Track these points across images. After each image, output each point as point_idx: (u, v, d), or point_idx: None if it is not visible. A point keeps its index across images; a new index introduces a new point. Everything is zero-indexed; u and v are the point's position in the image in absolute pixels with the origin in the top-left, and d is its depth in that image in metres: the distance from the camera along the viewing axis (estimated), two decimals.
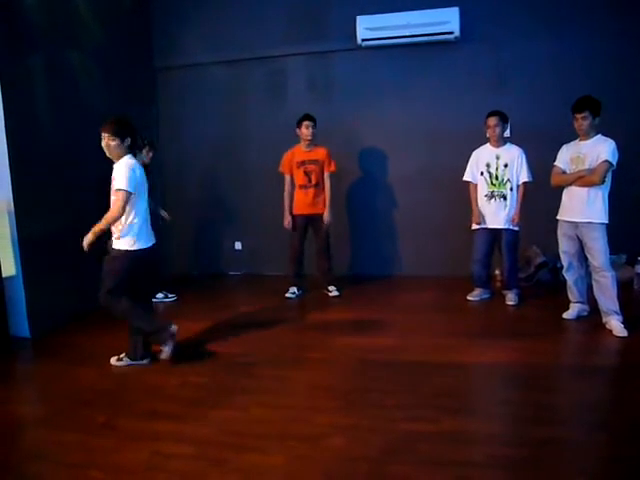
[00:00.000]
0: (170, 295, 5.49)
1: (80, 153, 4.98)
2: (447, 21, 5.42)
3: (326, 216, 5.29)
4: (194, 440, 2.75)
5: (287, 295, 5.42)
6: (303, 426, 2.84)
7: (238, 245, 6.57)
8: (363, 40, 5.66)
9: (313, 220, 5.32)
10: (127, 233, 3.56)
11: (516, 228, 4.78)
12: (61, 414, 3.11)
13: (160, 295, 5.44)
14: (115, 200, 3.50)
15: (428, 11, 5.44)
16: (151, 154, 5.26)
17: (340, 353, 3.87)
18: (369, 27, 5.59)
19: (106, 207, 4.75)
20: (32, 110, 4.54)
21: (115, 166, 3.56)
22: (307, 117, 5.18)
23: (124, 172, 3.48)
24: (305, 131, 5.17)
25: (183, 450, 2.66)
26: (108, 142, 3.51)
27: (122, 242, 3.56)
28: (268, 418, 2.95)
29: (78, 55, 5.07)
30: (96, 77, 5.29)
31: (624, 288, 4.69)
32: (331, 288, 5.42)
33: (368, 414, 2.94)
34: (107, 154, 3.57)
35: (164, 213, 5.40)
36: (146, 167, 5.26)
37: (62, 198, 4.82)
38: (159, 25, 6.35)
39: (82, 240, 3.49)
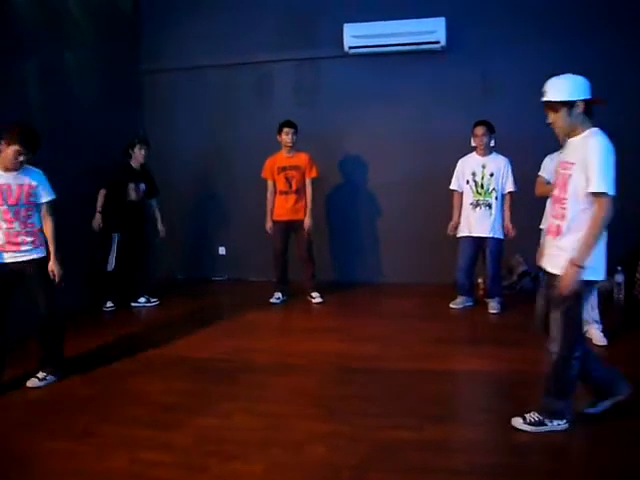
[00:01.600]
0: (152, 300, 5.44)
1: (69, 156, 5.01)
2: (433, 30, 5.47)
3: (306, 222, 5.29)
4: (175, 447, 2.72)
5: (272, 301, 5.41)
6: (284, 433, 2.83)
7: (222, 250, 6.54)
8: (350, 48, 5.68)
9: (294, 226, 5.32)
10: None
11: (501, 237, 4.82)
12: (41, 421, 3.06)
13: (142, 300, 5.39)
14: (51, 212, 3.50)
15: (414, 20, 5.48)
16: (143, 151, 5.23)
17: (323, 360, 3.86)
18: (356, 35, 5.62)
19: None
20: (24, 111, 4.50)
21: (34, 176, 3.43)
22: (287, 124, 5.19)
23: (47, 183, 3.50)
24: (285, 137, 5.18)
25: (164, 457, 2.64)
26: (20, 159, 3.27)
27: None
28: (250, 425, 2.93)
29: (66, 57, 5.07)
30: (83, 79, 5.27)
31: (604, 298, 4.74)
32: (314, 295, 5.41)
33: (350, 421, 2.93)
34: (10, 165, 3.28)
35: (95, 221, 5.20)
36: (143, 167, 5.26)
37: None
38: (146, 29, 6.33)
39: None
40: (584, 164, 2.53)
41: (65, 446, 2.76)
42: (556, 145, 4.21)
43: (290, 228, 5.35)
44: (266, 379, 3.58)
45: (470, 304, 5.11)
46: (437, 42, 5.51)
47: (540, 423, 2.77)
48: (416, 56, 5.69)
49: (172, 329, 4.63)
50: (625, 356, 3.81)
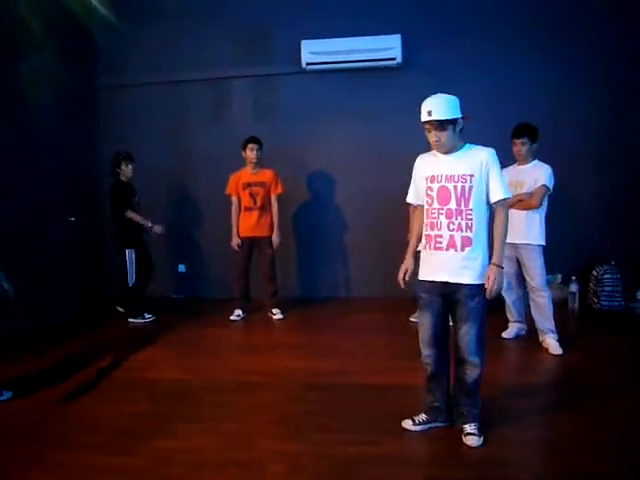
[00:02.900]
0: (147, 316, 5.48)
1: (25, 167, 4.99)
2: (390, 47, 5.57)
3: (274, 238, 5.28)
4: (131, 473, 2.63)
5: (232, 318, 5.35)
6: (244, 453, 2.78)
7: (182, 268, 6.46)
8: (308, 64, 5.73)
9: (257, 242, 5.30)
10: None
11: None
12: None
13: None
14: None
15: (371, 37, 5.57)
16: (130, 167, 5.31)
17: (284, 377, 3.83)
18: (314, 51, 5.68)
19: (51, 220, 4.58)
20: None
21: None
22: (252, 140, 5.18)
23: None
24: (250, 154, 5.17)
25: None
26: None
27: None
28: (209, 446, 2.86)
29: (22, 73, 4.97)
30: (39, 95, 5.18)
31: (559, 307, 4.85)
32: (275, 311, 5.39)
33: (311, 439, 2.90)
34: None
35: (157, 228, 5.35)
36: (130, 181, 5.40)
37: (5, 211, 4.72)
38: (103, 45, 6.23)
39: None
40: (483, 175, 2.71)
41: (14, 475, 2.65)
42: (508, 160, 4.37)
43: (253, 244, 5.32)
44: (226, 398, 3.51)
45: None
46: (393, 59, 5.61)
47: (481, 430, 2.84)
48: (373, 72, 5.77)
49: (128, 349, 4.52)
50: (580, 364, 3.90)
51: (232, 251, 5.35)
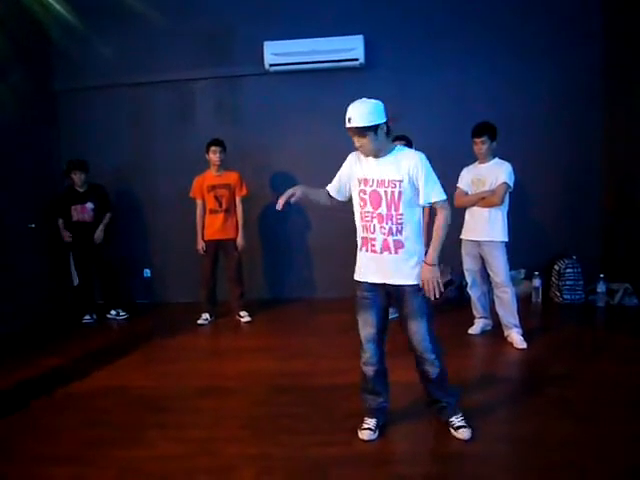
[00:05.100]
0: (122, 313, 5.61)
1: None
2: (352, 48, 5.58)
3: (239, 240, 5.25)
4: None
5: (199, 322, 5.30)
6: (212, 459, 2.75)
7: (147, 272, 6.36)
8: (271, 65, 5.70)
9: (223, 245, 5.26)
10: None
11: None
12: None
13: (113, 312, 5.62)
14: None
15: (333, 38, 5.58)
16: (78, 175, 5.43)
17: (252, 380, 3.80)
18: (276, 52, 5.65)
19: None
20: None
21: None
22: (215, 142, 5.15)
23: None
24: (213, 156, 5.13)
25: None
26: None
27: None
28: (175, 453, 2.83)
29: None
30: None
31: (523, 302, 4.93)
32: (243, 314, 5.35)
33: (279, 442, 2.89)
34: None
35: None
36: (91, 187, 5.52)
37: None
38: (60, 45, 6.06)
39: None
40: (413, 179, 2.69)
41: None
42: (469, 158, 4.42)
43: (219, 248, 5.28)
44: (193, 404, 3.47)
45: (395, 316, 5.14)
46: (356, 59, 5.62)
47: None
48: (336, 73, 5.77)
49: (92, 357, 4.42)
50: (544, 358, 3.97)
51: (198, 255, 5.29)
